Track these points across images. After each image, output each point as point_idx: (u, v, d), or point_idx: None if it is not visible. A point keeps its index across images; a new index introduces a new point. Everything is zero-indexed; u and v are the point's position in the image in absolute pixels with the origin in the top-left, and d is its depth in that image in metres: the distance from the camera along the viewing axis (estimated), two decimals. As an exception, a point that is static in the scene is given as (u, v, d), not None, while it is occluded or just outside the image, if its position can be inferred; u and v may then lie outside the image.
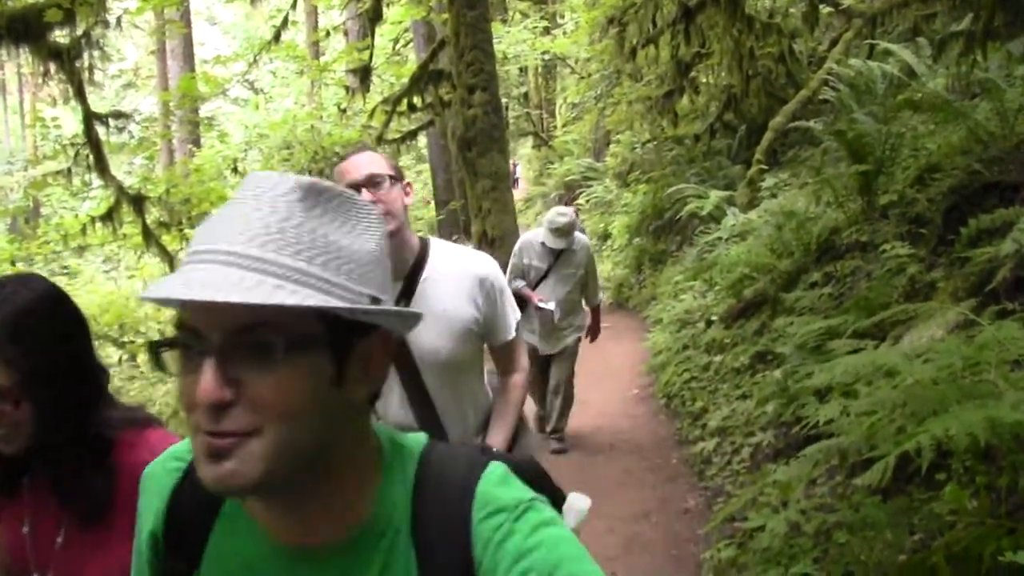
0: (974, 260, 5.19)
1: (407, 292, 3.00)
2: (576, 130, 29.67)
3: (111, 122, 10.63)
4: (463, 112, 13.79)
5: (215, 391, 1.06)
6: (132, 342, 15.51)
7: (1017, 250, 4.81)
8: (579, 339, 8.38)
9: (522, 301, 7.54)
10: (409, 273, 3.03)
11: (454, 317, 3.02)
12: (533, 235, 8.20)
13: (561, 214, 7.93)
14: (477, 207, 13.95)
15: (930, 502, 3.59)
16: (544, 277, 8.01)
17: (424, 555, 1.22)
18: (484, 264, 3.14)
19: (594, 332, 8.63)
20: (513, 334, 3.23)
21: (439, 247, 3.15)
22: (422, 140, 24.86)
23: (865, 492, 3.98)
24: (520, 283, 7.92)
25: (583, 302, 8.40)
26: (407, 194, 3.09)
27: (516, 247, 8.25)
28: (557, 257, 7.98)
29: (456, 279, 3.06)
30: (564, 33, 29.19)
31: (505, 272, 8.02)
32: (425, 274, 3.04)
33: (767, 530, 4.28)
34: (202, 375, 1.07)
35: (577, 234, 8.09)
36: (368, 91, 18.75)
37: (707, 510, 6.16)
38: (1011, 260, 4.83)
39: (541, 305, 7.78)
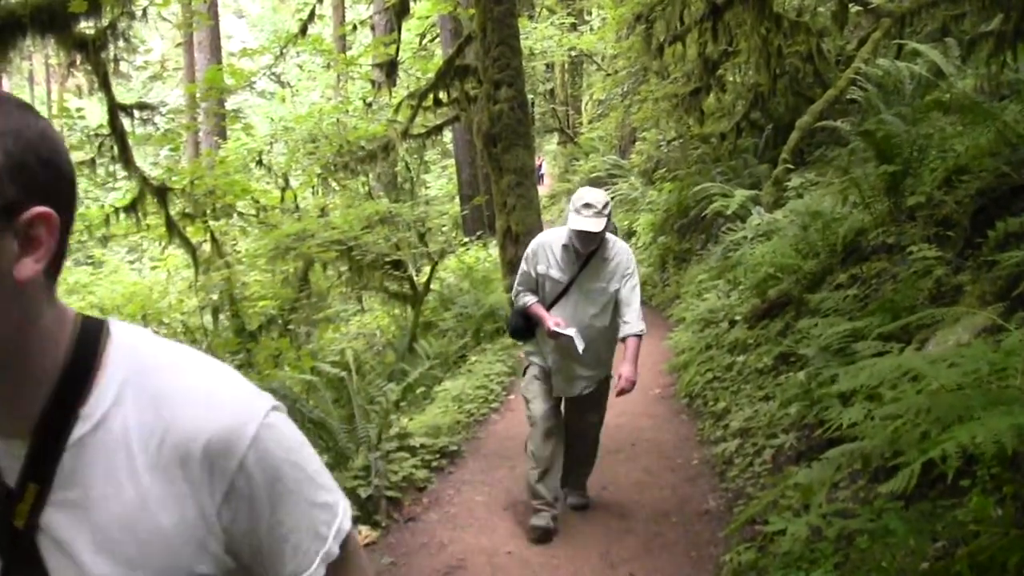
0: (1002, 264, 5.13)
1: (35, 475, 1.22)
2: (602, 127, 29.66)
3: (136, 113, 10.69)
4: (489, 108, 13.80)
5: None
6: (155, 332, 15.57)
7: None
8: (608, 380, 6.17)
9: (531, 323, 6.09)
10: (38, 426, 1.22)
11: (144, 529, 1.22)
12: (553, 235, 6.02)
13: (593, 191, 5.77)
14: (502, 203, 13.96)
15: (953, 509, 3.55)
16: (564, 293, 5.91)
17: None
18: (230, 415, 1.25)
19: (627, 378, 5.86)
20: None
21: (133, 357, 1.30)
22: (447, 135, 24.91)
23: (887, 498, 3.93)
24: (530, 299, 6.03)
25: (617, 331, 5.98)
26: (32, 247, 1.16)
27: (528, 250, 6.09)
28: (584, 265, 5.84)
29: (155, 445, 1.23)
30: (591, 29, 29.27)
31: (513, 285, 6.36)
32: (80, 431, 1.22)
33: (788, 534, 4.23)
34: None
35: (612, 237, 5.97)
36: (394, 85, 18.81)
37: (728, 512, 6.12)
38: (1040, 264, 4.77)
39: (558, 331, 5.70)
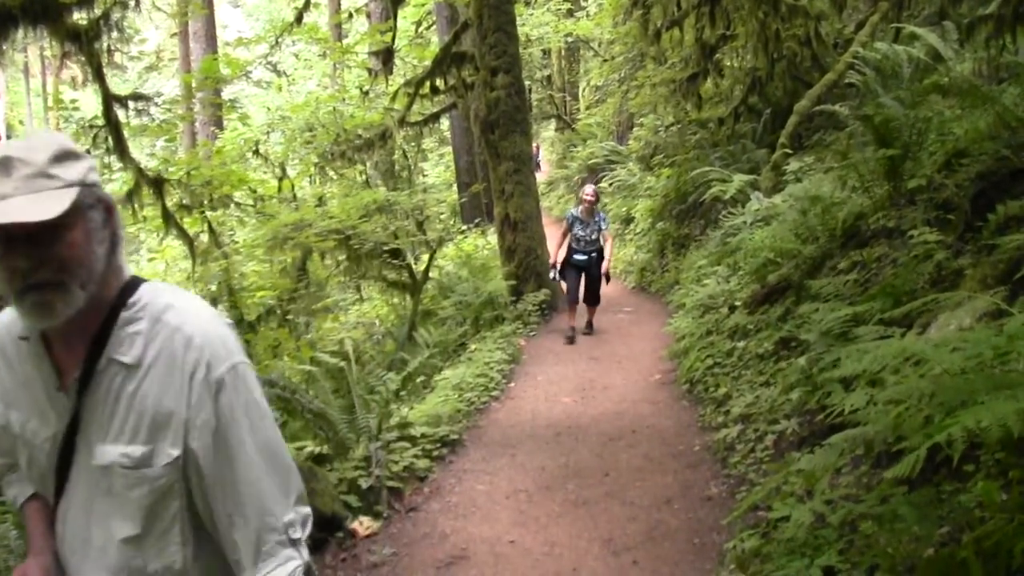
0: (1002, 247, 5.12)
1: None
2: (599, 113, 29.62)
3: (131, 104, 10.62)
4: (486, 94, 13.78)
5: None
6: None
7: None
8: None
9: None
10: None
11: None
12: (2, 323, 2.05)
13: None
14: (500, 190, 13.96)
15: (958, 494, 3.54)
16: (61, 477, 1.96)
17: None
18: None
19: None
20: None
21: None
22: (445, 123, 24.91)
23: (891, 483, 3.92)
24: (17, 492, 2.22)
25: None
26: None
27: None
28: (82, 392, 1.87)
29: None
30: (587, 15, 29.20)
31: None
32: None
33: (792, 520, 4.23)
34: None
35: (155, 289, 2.07)
36: (391, 73, 18.76)
37: (730, 498, 6.11)
38: (1041, 247, 4.76)
39: None
